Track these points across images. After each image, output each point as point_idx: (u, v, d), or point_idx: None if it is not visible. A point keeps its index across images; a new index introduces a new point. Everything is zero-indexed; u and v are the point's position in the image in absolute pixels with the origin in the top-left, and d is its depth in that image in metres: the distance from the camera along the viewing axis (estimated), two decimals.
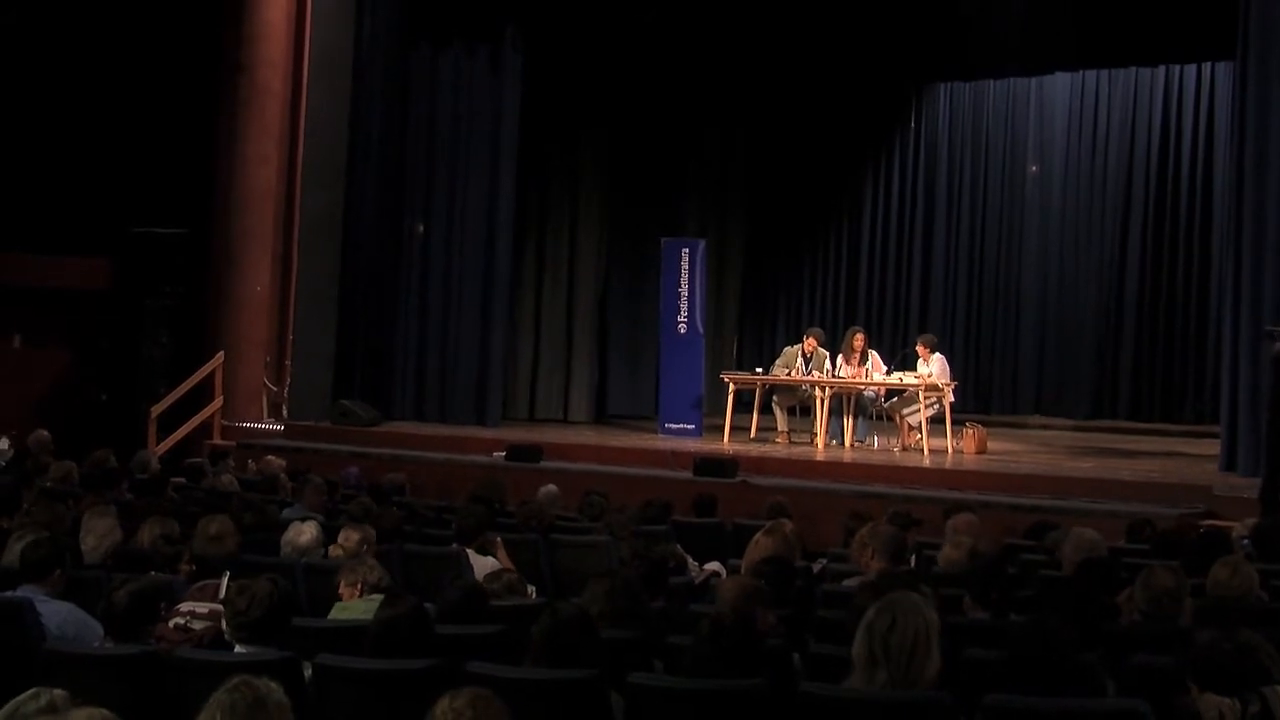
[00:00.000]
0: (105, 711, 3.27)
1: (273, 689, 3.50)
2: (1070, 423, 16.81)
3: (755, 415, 14.30)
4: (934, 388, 13.46)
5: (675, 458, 12.80)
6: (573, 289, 17.19)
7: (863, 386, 13.87)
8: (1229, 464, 11.75)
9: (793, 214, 19.01)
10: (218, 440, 14.87)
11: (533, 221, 16.91)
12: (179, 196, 16.10)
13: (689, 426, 14.78)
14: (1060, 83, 17.56)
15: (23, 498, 8.58)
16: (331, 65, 15.82)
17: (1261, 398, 11.27)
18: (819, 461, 12.90)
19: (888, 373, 13.88)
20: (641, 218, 17.33)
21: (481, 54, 15.70)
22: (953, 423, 13.62)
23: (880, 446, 13.81)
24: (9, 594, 5.76)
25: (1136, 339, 16.95)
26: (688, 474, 12.19)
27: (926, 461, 12.89)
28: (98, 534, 7.02)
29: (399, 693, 4.68)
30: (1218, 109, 16.41)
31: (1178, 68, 16.88)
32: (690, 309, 15.03)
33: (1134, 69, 17.09)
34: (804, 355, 14.08)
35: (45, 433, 12.15)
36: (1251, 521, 8.71)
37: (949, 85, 18.40)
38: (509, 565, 7.54)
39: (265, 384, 15.60)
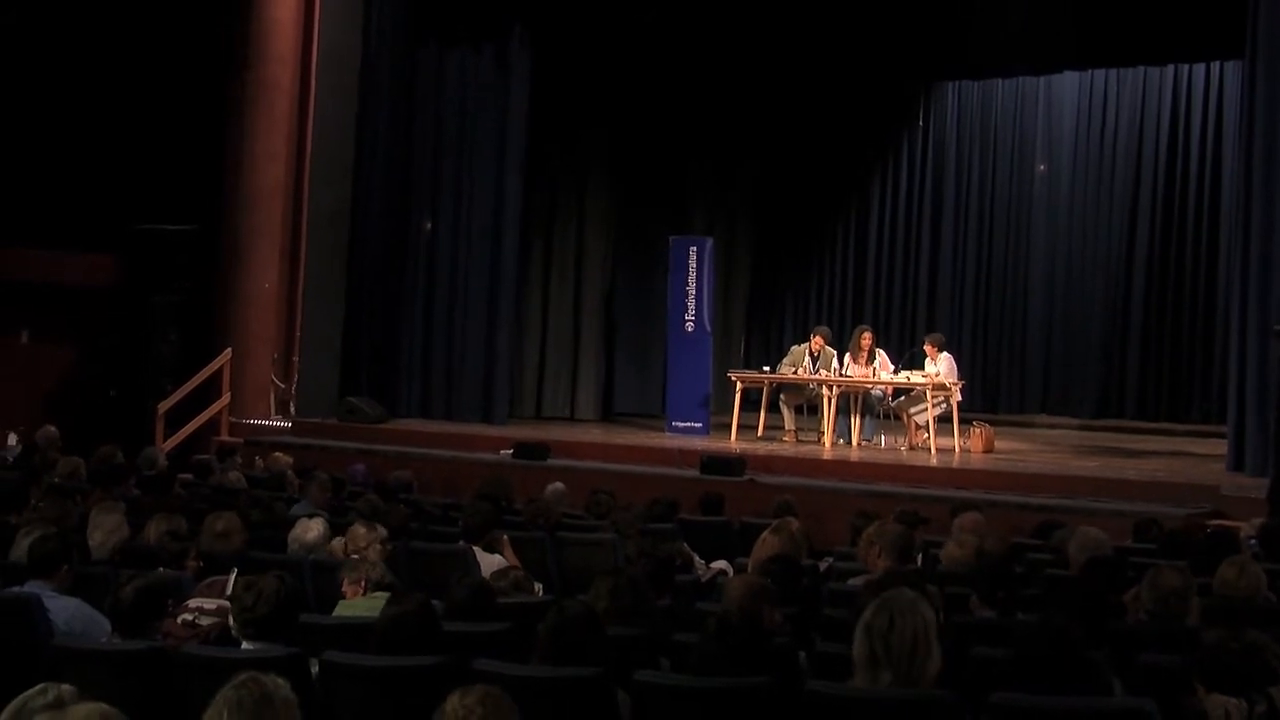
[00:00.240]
0: (105, 706, 3.28)
1: (279, 685, 3.51)
2: (1077, 422, 16.76)
3: (762, 414, 14.29)
4: (941, 387, 13.45)
5: (682, 456, 12.80)
6: (580, 287, 17.16)
7: (870, 385, 13.86)
8: (1236, 464, 11.72)
9: (800, 213, 18.97)
10: (225, 437, 14.86)
11: (540, 219, 16.88)
12: (187, 193, 16.12)
13: (696, 425, 14.76)
14: (1068, 82, 17.49)
15: (30, 493, 8.61)
16: (339, 63, 15.82)
17: (1269, 397, 11.29)
18: (826, 460, 12.92)
19: (895, 371, 13.87)
20: (648, 216, 17.28)
21: (489, 52, 15.68)
22: (960, 422, 13.63)
23: (887, 445, 13.82)
24: (17, 589, 5.77)
25: (1144, 338, 16.88)
26: (695, 472, 12.19)
27: (933, 460, 12.88)
28: (105, 530, 7.03)
29: (405, 690, 4.68)
30: (1226, 109, 16.36)
31: (1186, 67, 16.80)
32: (698, 307, 15.00)
33: (1142, 68, 17.02)
34: (811, 354, 14.08)
35: (53, 429, 12.14)
36: (1259, 521, 8.71)
37: (957, 84, 18.34)
38: (516, 563, 7.55)
39: (272, 381, 15.60)
